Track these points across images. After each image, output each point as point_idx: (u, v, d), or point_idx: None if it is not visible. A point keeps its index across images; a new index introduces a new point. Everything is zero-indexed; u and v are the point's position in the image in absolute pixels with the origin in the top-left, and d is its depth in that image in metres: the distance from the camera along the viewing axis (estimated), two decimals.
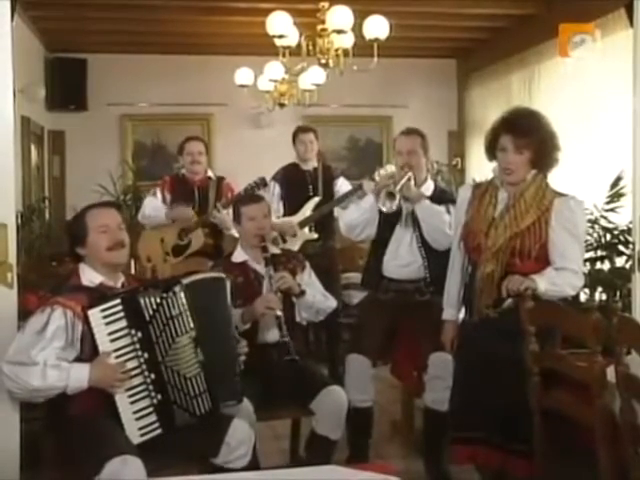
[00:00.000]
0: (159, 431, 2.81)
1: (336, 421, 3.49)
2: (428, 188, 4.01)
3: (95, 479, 2.59)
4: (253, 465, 2.96)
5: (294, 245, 5.13)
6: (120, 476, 2.56)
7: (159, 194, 5.27)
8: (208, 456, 2.88)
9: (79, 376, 2.71)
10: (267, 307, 3.48)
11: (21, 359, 2.69)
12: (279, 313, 3.49)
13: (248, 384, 3.15)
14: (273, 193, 5.39)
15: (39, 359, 2.68)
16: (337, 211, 5.40)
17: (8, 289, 2.98)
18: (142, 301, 2.78)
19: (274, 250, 3.81)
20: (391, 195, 3.73)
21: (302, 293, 3.63)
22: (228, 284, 3.10)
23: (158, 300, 2.80)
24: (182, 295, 2.84)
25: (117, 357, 2.76)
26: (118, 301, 2.77)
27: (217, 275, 3.14)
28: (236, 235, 5.11)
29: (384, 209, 3.78)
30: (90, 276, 2.91)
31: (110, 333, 2.75)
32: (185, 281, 2.89)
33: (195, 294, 2.88)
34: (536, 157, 3.11)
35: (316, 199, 5.37)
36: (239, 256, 3.75)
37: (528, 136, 3.09)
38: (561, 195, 3.17)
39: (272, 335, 3.60)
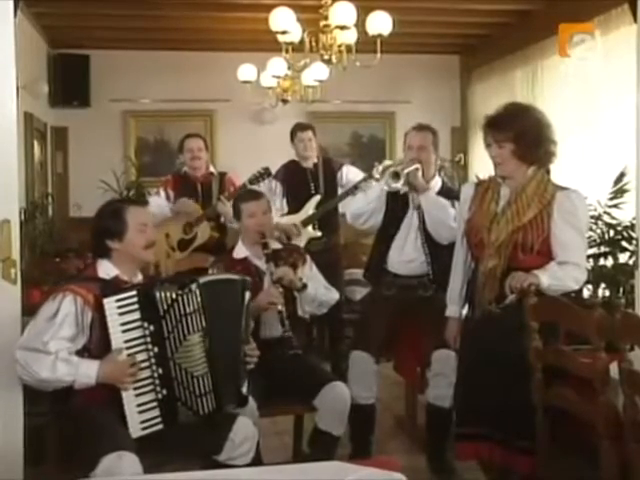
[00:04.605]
0: (160, 426, 2.81)
1: (339, 417, 3.49)
2: (436, 185, 4.01)
3: (90, 475, 2.58)
4: (256, 461, 2.96)
5: (299, 244, 5.13)
6: (115, 472, 2.55)
7: (162, 193, 5.27)
8: (211, 453, 2.88)
9: (87, 373, 2.73)
10: (269, 302, 3.48)
11: (34, 345, 2.72)
12: (281, 308, 3.50)
13: (251, 380, 3.14)
14: (275, 192, 5.38)
15: (52, 348, 2.71)
16: (341, 207, 5.39)
17: (11, 285, 2.98)
18: (158, 295, 2.79)
19: (275, 245, 3.81)
20: (396, 175, 3.71)
21: (304, 287, 3.63)
22: (246, 286, 3.04)
23: (174, 296, 2.80)
24: (198, 293, 2.83)
25: (127, 348, 2.77)
26: (134, 292, 2.79)
27: (233, 277, 3.10)
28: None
29: (386, 188, 3.77)
30: (108, 269, 2.92)
31: (123, 324, 2.77)
32: (202, 280, 2.89)
33: (210, 294, 2.88)
34: (518, 149, 3.13)
35: (317, 197, 5.35)
36: (240, 252, 3.75)
37: (505, 130, 3.14)
38: (563, 189, 3.18)
39: (274, 330, 3.60)
